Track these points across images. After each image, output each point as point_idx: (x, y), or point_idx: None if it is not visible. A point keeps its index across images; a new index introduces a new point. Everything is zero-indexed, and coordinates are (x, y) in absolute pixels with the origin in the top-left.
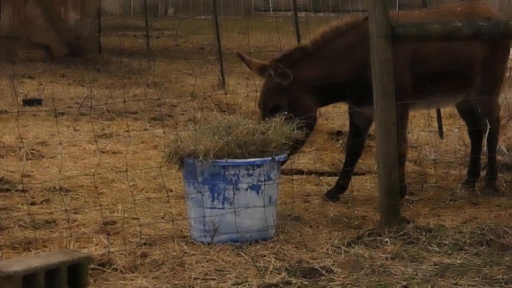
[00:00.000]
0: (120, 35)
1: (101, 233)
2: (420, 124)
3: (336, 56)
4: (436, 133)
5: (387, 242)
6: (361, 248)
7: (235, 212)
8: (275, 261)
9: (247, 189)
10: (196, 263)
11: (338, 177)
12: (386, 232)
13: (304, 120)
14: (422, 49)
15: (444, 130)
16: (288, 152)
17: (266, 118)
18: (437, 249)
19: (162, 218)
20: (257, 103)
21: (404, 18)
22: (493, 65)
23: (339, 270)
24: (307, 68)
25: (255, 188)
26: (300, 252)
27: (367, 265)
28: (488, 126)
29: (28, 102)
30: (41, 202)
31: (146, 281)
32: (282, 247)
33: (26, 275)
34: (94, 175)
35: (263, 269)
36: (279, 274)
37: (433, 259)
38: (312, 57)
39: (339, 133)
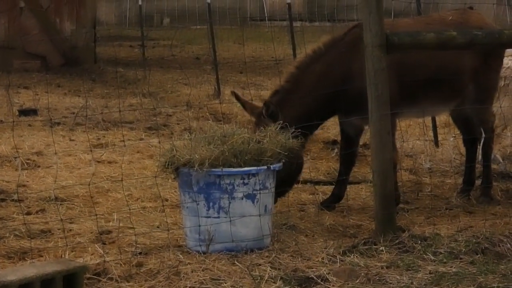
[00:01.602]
0: (115, 45)
1: (96, 242)
2: (415, 133)
3: (316, 80)
4: (431, 142)
5: (382, 250)
6: (356, 256)
7: (230, 221)
8: (270, 270)
9: (242, 198)
10: (192, 272)
11: (333, 186)
12: (381, 241)
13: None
14: (409, 57)
15: (439, 139)
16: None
17: None
18: (432, 258)
19: (158, 227)
20: None
21: (390, 27)
22: (485, 74)
23: (335, 278)
24: (290, 109)
25: (250, 197)
26: (296, 261)
27: (362, 274)
28: (483, 135)
29: (24, 112)
30: (37, 212)
31: None
32: (278, 256)
33: (21, 285)
34: (89, 185)
35: (259, 278)
36: (274, 283)
37: (429, 268)
38: (292, 93)
39: (334, 142)
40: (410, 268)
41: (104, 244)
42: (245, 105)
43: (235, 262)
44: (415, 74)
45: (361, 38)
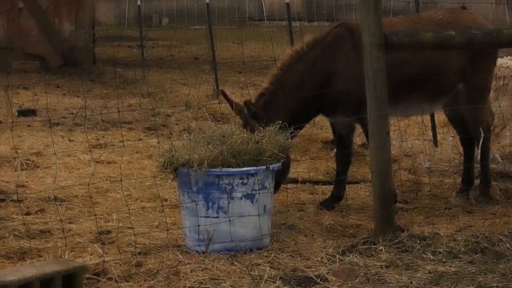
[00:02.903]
0: (114, 45)
1: (96, 242)
2: (414, 132)
3: (299, 81)
4: (430, 142)
5: (381, 250)
6: (355, 256)
7: (229, 221)
8: (269, 270)
9: (241, 198)
10: (191, 272)
11: (332, 186)
12: (380, 241)
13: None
14: (394, 55)
15: (438, 138)
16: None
17: None
18: (431, 257)
19: (157, 227)
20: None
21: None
22: (475, 74)
23: (334, 278)
24: (275, 109)
25: (249, 197)
26: (295, 261)
27: (361, 274)
28: (482, 135)
29: (23, 112)
30: (36, 212)
31: None
32: (277, 255)
33: (21, 285)
34: (88, 185)
35: (258, 277)
36: (273, 282)
37: (428, 267)
38: (276, 94)
39: (333, 142)
40: (409, 268)
41: (104, 244)
42: (233, 105)
43: (234, 262)
44: (399, 72)
45: (343, 37)
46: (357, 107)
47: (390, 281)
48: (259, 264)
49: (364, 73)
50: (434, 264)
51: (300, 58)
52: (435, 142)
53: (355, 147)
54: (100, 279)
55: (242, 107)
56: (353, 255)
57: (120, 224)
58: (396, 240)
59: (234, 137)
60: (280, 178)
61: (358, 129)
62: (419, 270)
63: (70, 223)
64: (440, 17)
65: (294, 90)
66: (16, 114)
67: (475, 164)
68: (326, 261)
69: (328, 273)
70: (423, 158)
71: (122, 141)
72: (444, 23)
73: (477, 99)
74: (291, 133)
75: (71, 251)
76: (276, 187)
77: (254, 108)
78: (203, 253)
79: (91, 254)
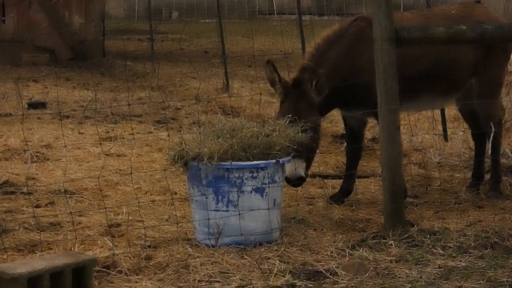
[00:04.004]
0: (124, 38)
1: (105, 235)
2: (424, 127)
3: (331, 70)
4: (440, 136)
5: (391, 245)
6: (365, 250)
7: (239, 214)
8: (279, 264)
9: (251, 192)
10: (201, 265)
11: (342, 180)
12: (390, 235)
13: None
14: (409, 50)
15: (448, 133)
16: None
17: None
18: (441, 252)
19: (167, 220)
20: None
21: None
22: (488, 69)
23: (344, 272)
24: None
25: (259, 190)
26: (304, 255)
27: (371, 268)
28: (493, 129)
29: (33, 105)
30: (46, 205)
31: (151, 284)
32: (286, 249)
33: (31, 278)
34: (98, 178)
35: (268, 271)
36: (283, 276)
37: (438, 262)
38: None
39: (343, 136)
40: (419, 263)
41: (113, 237)
42: (279, 78)
43: (244, 255)
44: (415, 67)
45: (365, 30)
46: (376, 100)
47: (399, 276)
48: (268, 258)
49: None
50: (444, 259)
51: (330, 45)
52: (445, 136)
53: (365, 141)
54: (110, 272)
55: (287, 82)
56: (362, 249)
57: (130, 217)
58: (406, 235)
59: (244, 130)
60: (310, 154)
61: (368, 123)
62: (429, 265)
63: (80, 216)
64: (453, 11)
65: (327, 77)
66: (26, 106)
67: (485, 158)
68: (335, 255)
69: (337, 267)
70: (433, 153)
71: (132, 134)
72: (457, 18)
73: (490, 94)
74: (301, 127)
75: (81, 244)
76: (308, 163)
77: (325, 80)
78: (213, 246)
79: (101, 247)
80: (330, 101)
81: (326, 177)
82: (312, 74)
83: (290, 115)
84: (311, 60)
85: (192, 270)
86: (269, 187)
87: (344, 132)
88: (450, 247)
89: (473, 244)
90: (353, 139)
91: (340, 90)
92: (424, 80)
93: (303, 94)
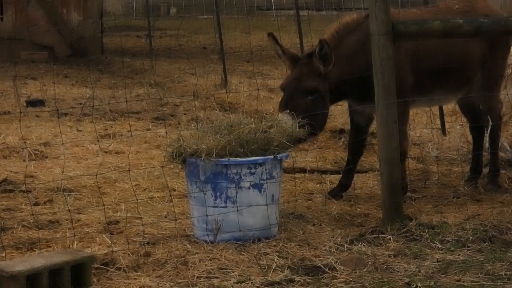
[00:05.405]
0: (122, 35)
1: (104, 232)
2: (422, 121)
3: (348, 53)
4: (438, 130)
5: (389, 239)
6: (363, 245)
7: (237, 210)
8: (278, 259)
9: (249, 188)
10: (199, 261)
11: (340, 175)
12: (388, 230)
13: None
14: (423, 46)
15: (446, 127)
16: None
17: (296, 100)
18: (439, 246)
19: (165, 217)
20: (286, 84)
21: (403, 17)
22: (492, 62)
23: (342, 267)
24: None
25: (257, 186)
26: (303, 250)
27: (370, 263)
28: (490, 123)
29: (31, 103)
30: (45, 203)
31: (150, 280)
32: (285, 245)
33: (29, 275)
34: (97, 175)
35: (266, 267)
36: (282, 272)
37: (436, 256)
38: (334, 49)
39: (341, 131)
40: (417, 257)
41: (112, 234)
42: (282, 48)
43: (243, 251)
44: (428, 62)
45: None
46: None
47: (398, 270)
48: (267, 254)
49: (398, 60)
50: (442, 253)
51: (350, 32)
52: (443, 130)
53: None
54: (109, 269)
55: (293, 54)
56: (361, 244)
57: (129, 214)
58: (404, 229)
59: (242, 126)
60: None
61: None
62: (427, 258)
63: (78, 213)
64: (457, 6)
65: (345, 58)
66: (25, 104)
67: (483, 152)
68: (334, 250)
69: (336, 262)
70: (431, 147)
71: (130, 131)
72: (461, 12)
73: (493, 87)
74: (298, 122)
75: (80, 241)
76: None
77: (328, 49)
78: (211, 242)
79: (99, 244)
80: (343, 89)
81: (324, 172)
82: (330, 49)
83: (295, 83)
84: (331, 39)
85: (191, 266)
86: (267, 183)
87: (342, 128)
88: (449, 241)
89: (471, 237)
90: (357, 134)
91: (355, 80)
92: (437, 75)
93: (310, 63)
